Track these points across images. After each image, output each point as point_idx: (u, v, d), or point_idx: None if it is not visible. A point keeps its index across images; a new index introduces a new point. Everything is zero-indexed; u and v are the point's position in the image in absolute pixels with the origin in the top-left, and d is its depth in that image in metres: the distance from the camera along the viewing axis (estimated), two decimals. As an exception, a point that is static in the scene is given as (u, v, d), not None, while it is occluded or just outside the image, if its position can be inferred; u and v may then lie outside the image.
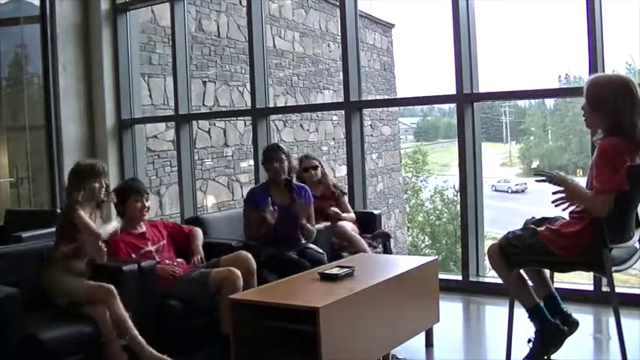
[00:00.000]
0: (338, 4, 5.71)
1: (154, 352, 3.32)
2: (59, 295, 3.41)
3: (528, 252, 3.01)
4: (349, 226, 4.71)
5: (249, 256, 3.86)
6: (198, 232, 4.18)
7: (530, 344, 3.13)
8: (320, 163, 5.08)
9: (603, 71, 4.55)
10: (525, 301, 3.12)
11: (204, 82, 9.07)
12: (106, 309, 3.31)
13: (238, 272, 3.66)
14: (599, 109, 2.88)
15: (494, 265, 3.17)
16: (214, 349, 3.68)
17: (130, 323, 3.34)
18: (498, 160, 24.69)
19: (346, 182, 5.66)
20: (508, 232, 3.14)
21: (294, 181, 4.52)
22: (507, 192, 20.96)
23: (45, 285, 3.45)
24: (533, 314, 3.11)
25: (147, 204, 4.01)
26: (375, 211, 5.29)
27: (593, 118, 2.94)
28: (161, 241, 4.00)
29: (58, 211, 4.84)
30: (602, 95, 2.85)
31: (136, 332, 3.33)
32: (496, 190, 21.04)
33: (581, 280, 5.55)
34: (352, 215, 4.94)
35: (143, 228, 4.01)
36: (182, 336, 3.72)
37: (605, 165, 2.78)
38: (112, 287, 3.36)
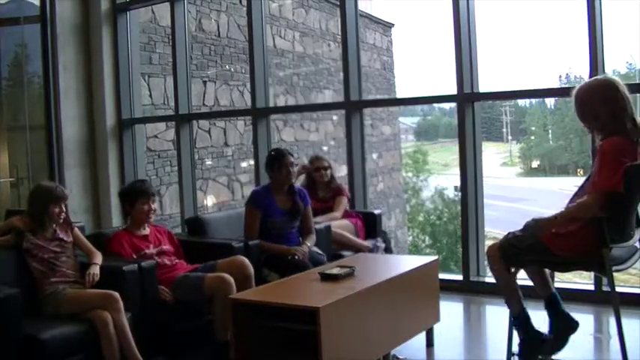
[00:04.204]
0: (338, 3, 5.70)
1: None
2: (66, 310, 3.41)
3: (529, 252, 3.01)
4: (339, 229, 4.76)
5: (246, 261, 3.83)
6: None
7: (516, 358, 3.13)
8: (330, 165, 5.15)
9: (603, 71, 4.58)
10: (513, 307, 3.12)
11: (205, 82, 9.07)
12: (109, 315, 3.31)
13: (230, 280, 3.64)
14: (587, 119, 2.92)
15: (492, 266, 3.17)
16: (211, 350, 3.68)
17: (130, 335, 3.35)
18: (499, 160, 24.69)
19: (347, 182, 5.66)
20: (508, 233, 3.13)
21: (297, 183, 4.56)
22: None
23: (52, 310, 3.45)
24: (518, 322, 3.11)
25: (153, 206, 4.01)
26: (376, 211, 5.30)
27: (589, 126, 2.96)
28: (163, 245, 4.00)
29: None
30: (584, 104, 2.89)
31: (134, 347, 3.34)
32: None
33: (581, 279, 5.55)
34: (335, 215, 4.98)
35: (147, 230, 4.01)
36: (179, 336, 3.72)
37: (602, 165, 2.79)
38: (117, 294, 3.37)
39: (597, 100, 2.83)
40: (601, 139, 2.89)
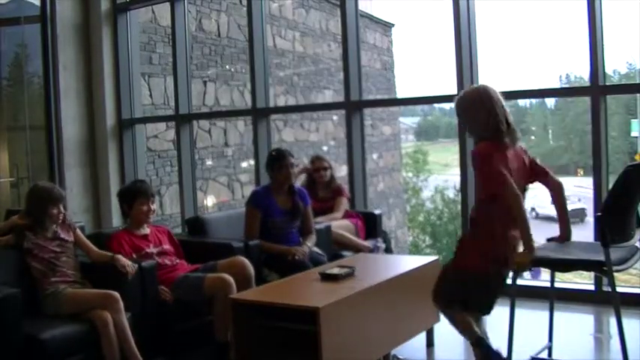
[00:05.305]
0: (338, 3, 5.70)
1: None
2: (66, 310, 3.41)
3: (464, 289, 3.00)
4: (340, 230, 4.76)
5: (246, 262, 3.83)
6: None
7: None
8: (330, 166, 5.15)
9: (604, 70, 4.60)
10: (471, 335, 3.11)
11: (205, 82, 9.07)
12: (109, 315, 3.31)
13: (230, 280, 3.64)
14: (465, 123, 3.05)
15: (441, 310, 3.16)
16: (211, 350, 3.68)
17: (130, 336, 3.35)
18: (499, 160, 24.69)
19: (347, 182, 5.66)
20: (438, 288, 3.08)
21: (297, 184, 4.56)
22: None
23: (52, 310, 3.45)
24: (480, 343, 3.09)
25: (152, 207, 4.00)
26: (376, 211, 5.30)
27: (469, 131, 3.08)
28: (164, 244, 4.00)
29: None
30: (464, 112, 3.03)
31: (134, 347, 3.34)
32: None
33: (581, 279, 5.55)
34: (336, 215, 4.98)
35: (147, 230, 4.01)
36: (179, 336, 3.72)
37: (478, 173, 2.90)
38: (117, 294, 3.37)
39: (475, 108, 2.96)
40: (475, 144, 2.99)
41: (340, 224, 4.86)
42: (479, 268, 2.91)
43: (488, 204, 2.87)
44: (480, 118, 2.93)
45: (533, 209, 18.48)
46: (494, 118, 2.89)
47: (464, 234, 3.02)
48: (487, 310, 3.02)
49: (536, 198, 18.35)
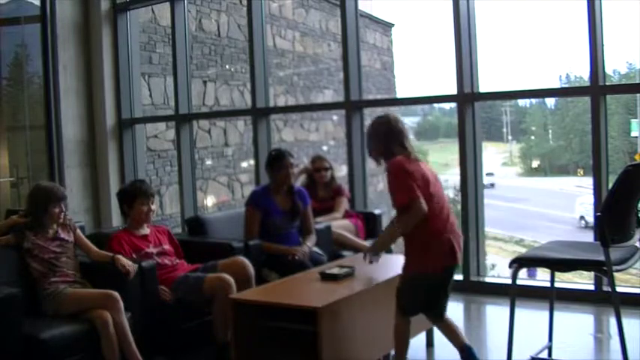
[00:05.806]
0: (338, 3, 5.70)
1: None
2: (66, 310, 3.41)
3: (419, 298, 3.08)
4: (340, 230, 4.76)
5: (246, 262, 3.84)
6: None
7: None
8: (331, 166, 5.16)
9: (604, 70, 4.61)
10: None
11: (205, 82, 9.08)
12: (109, 315, 3.31)
13: (230, 280, 3.64)
14: (374, 148, 3.29)
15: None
16: (211, 350, 3.68)
17: (130, 336, 3.35)
18: (499, 160, 24.68)
19: (347, 182, 5.66)
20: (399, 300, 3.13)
21: (297, 183, 4.57)
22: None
23: (52, 310, 3.45)
24: None
25: (152, 207, 4.00)
26: (376, 211, 5.30)
27: (376, 155, 3.30)
28: (164, 244, 4.00)
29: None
30: (368, 138, 3.34)
31: (134, 347, 3.34)
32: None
33: (581, 279, 5.55)
34: (336, 215, 4.99)
35: (147, 230, 4.00)
36: (179, 336, 3.72)
37: (395, 184, 3.08)
38: (117, 294, 3.37)
39: (375, 136, 3.27)
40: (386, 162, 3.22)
41: (340, 224, 4.86)
42: (429, 269, 3.10)
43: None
44: (379, 144, 3.25)
45: (582, 217, 18.21)
46: (390, 144, 3.20)
47: (405, 244, 3.17)
48: (443, 309, 3.16)
49: (584, 206, 18.13)
